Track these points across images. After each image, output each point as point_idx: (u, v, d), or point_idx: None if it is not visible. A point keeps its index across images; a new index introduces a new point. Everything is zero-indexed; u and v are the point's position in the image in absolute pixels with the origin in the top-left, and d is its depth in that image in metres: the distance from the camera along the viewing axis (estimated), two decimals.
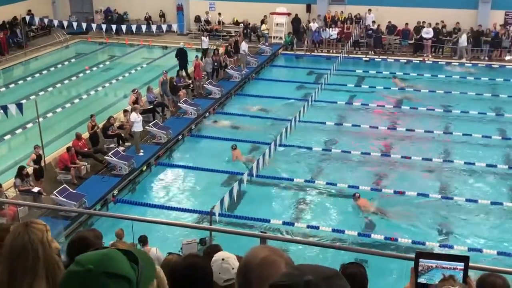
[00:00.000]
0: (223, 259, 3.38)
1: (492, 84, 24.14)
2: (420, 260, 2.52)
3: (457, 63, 27.08)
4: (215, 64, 24.05)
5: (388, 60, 27.87)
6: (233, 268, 3.28)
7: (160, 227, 11.90)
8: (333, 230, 13.70)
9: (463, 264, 2.48)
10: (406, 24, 28.45)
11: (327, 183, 15.97)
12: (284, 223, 13.96)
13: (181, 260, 3.32)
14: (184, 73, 23.17)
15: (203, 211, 14.04)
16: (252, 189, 15.58)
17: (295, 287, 1.68)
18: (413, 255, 2.53)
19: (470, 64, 26.87)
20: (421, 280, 2.48)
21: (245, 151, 17.98)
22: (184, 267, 3.15)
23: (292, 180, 16.18)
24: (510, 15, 28.52)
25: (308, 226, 13.93)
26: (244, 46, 25.57)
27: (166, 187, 16.24)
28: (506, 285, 3.35)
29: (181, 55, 24.50)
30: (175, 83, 21.36)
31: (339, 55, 26.29)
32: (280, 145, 17.09)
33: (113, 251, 1.71)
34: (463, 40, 27.32)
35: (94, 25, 30.87)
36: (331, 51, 29.04)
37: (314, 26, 29.11)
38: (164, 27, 30.87)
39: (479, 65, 26.85)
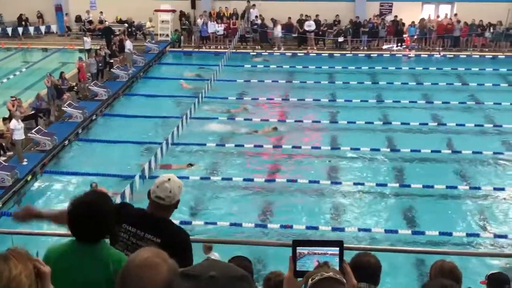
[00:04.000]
0: (169, 179, 3.68)
1: (372, 73, 25.48)
2: (298, 248, 2.56)
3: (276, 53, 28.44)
4: (100, 64, 23.29)
5: (275, 54, 28.50)
6: (170, 192, 3.63)
7: (47, 238, 11.28)
8: (231, 224, 13.78)
9: (338, 248, 2.55)
10: (289, 18, 29.25)
11: (223, 178, 16.04)
12: (181, 222, 13.79)
13: (78, 197, 3.28)
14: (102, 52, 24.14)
15: None
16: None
17: (201, 279, 1.76)
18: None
19: (284, 53, 28.30)
20: (299, 268, 2.52)
21: (137, 152, 17.60)
22: (80, 204, 3.15)
23: (188, 178, 16.01)
24: (385, 6, 30.26)
25: (206, 223, 13.90)
26: (129, 45, 25.03)
27: (54, 196, 15.46)
28: (378, 262, 3.54)
29: (107, 33, 26.67)
30: (59, 86, 20.43)
31: (226, 50, 26.48)
32: (172, 144, 16.90)
33: None
34: (278, 31, 28.55)
35: None
36: (218, 47, 29.20)
37: (200, 22, 29.12)
38: (42, 28, 29.40)
39: (359, 55, 28.24)
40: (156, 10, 29.89)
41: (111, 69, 23.99)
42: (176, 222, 12.63)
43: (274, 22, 28.97)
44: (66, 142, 18.05)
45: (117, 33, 28.86)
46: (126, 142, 18.12)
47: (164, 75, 25.53)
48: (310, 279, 2.27)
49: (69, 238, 3.28)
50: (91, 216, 3.09)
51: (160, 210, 3.66)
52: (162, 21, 30.06)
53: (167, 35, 29.81)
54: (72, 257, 3.10)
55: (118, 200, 13.18)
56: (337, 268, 2.50)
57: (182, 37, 29.49)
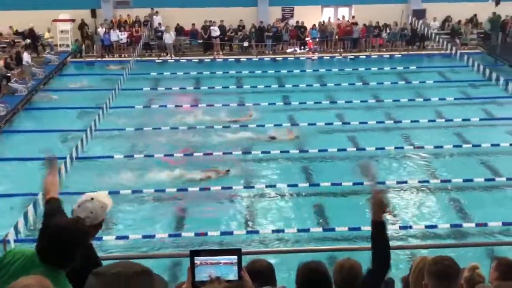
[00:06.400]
0: (92, 199, 3.73)
1: (278, 76, 25.94)
2: (196, 258, 2.52)
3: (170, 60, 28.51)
4: None
5: (181, 60, 28.31)
6: (91, 212, 3.67)
7: None
8: (144, 237, 13.46)
9: (236, 257, 2.53)
10: (193, 24, 29.19)
11: (133, 191, 15.64)
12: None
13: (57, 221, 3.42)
14: None
15: None
16: None
17: (106, 275, 2.07)
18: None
19: (173, 61, 28.30)
20: (197, 278, 2.49)
21: (40, 169, 16.75)
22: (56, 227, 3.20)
23: (95, 192, 15.46)
24: (287, 10, 30.97)
25: (118, 237, 13.49)
26: (27, 57, 23.93)
27: None
28: (270, 264, 3.62)
29: (32, 38, 26.88)
30: None
31: (130, 58, 25.99)
32: (77, 158, 16.29)
33: None
34: (168, 37, 28.61)
35: None
36: (122, 56, 28.59)
37: (102, 30, 28.39)
38: None
39: (265, 59, 28.69)
40: (55, 20, 28.78)
41: (8, 83, 22.79)
42: None
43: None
44: None
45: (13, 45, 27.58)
46: (27, 159, 17.24)
47: (66, 87, 24.61)
48: None
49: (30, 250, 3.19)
50: (65, 242, 3.05)
51: None
52: (62, 31, 29.01)
53: (68, 45, 28.80)
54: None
55: (21, 219, 12.60)
56: (237, 275, 2.49)
57: (83, 46, 28.61)
